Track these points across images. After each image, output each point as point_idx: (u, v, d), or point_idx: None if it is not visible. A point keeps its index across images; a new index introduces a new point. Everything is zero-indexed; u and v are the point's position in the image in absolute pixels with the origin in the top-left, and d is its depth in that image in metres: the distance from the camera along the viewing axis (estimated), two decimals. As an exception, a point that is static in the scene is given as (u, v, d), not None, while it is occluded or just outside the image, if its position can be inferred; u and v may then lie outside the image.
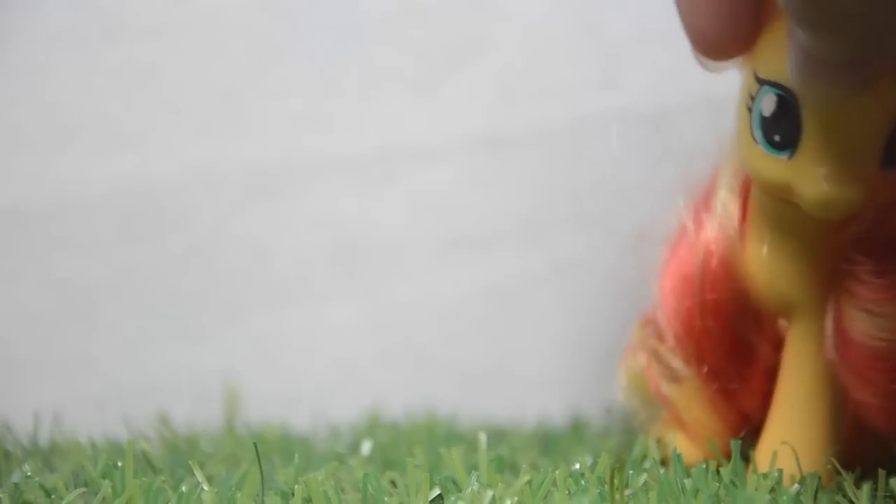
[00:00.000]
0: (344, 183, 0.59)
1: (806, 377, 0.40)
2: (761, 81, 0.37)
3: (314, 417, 0.57)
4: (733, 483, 0.39)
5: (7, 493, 0.39)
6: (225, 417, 0.57)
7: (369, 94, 0.59)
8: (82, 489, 0.39)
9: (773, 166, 0.37)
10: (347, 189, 0.59)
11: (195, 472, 0.40)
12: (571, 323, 0.58)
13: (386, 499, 0.38)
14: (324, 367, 0.59)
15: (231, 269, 0.59)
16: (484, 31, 0.59)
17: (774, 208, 0.38)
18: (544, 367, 0.59)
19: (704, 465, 0.40)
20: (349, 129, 0.59)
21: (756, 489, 0.38)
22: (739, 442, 0.40)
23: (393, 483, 0.41)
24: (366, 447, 0.48)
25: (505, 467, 0.43)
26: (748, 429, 0.42)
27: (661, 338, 0.43)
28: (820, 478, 0.39)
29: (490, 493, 0.37)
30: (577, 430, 0.54)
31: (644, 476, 0.40)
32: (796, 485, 0.38)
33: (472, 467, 0.41)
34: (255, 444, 0.40)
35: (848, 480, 0.39)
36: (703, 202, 0.42)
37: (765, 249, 0.39)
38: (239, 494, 0.37)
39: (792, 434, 0.40)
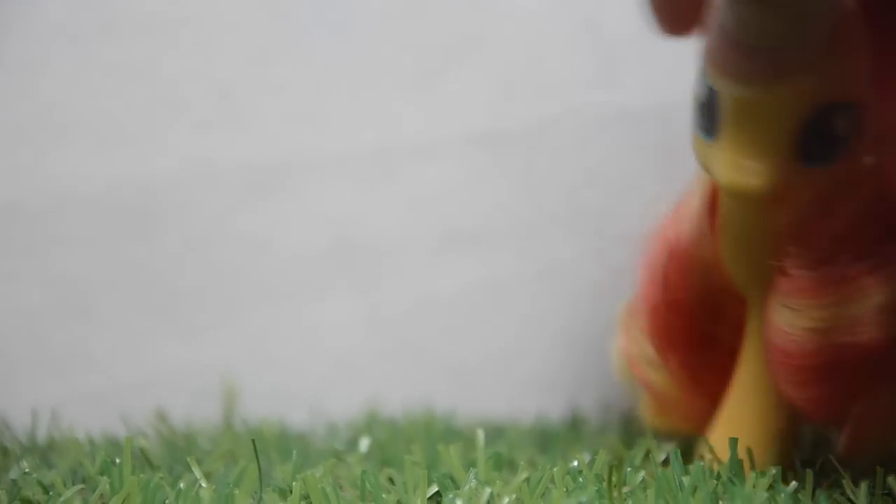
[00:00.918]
0: (341, 180, 0.59)
1: (754, 363, 0.41)
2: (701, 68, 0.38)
3: (312, 414, 0.57)
4: (731, 481, 0.39)
5: (5, 490, 0.39)
6: (223, 414, 0.57)
7: (367, 91, 0.59)
8: (80, 486, 0.39)
9: (702, 149, 0.38)
10: (345, 186, 0.59)
11: (193, 468, 0.40)
12: (569, 320, 0.58)
13: (384, 496, 0.38)
14: (321, 364, 0.59)
15: (229, 265, 0.59)
16: (481, 28, 0.58)
17: (724, 200, 0.40)
18: (542, 364, 0.59)
19: (703, 463, 0.40)
20: (347, 126, 0.59)
21: (754, 487, 0.38)
22: (737, 440, 0.40)
23: (391, 480, 0.42)
24: (364, 444, 0.48)
25: (503, 464, 0.43)
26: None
27: (641, 326, 0.44)
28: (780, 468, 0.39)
29: (488, 490, 0.37)
30: (574, 428, 0.54)
31: (642, 473, 0.40)
32: (794, 482, 0.38)
33: (470, 464, 0.42)
34: (252, 441, 0.40)
35: (846, 478, 0.39)
36: (686, 197, 0.43)
37: (724, 239, 0.40)
38: (237, 491, 0.37)
39: (742, 418, 0.41)
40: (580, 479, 0.39)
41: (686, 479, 0.38)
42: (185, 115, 0.59)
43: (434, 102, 0.59)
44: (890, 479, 0.38)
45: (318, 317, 0.59)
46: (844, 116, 0.36)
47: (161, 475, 0.40)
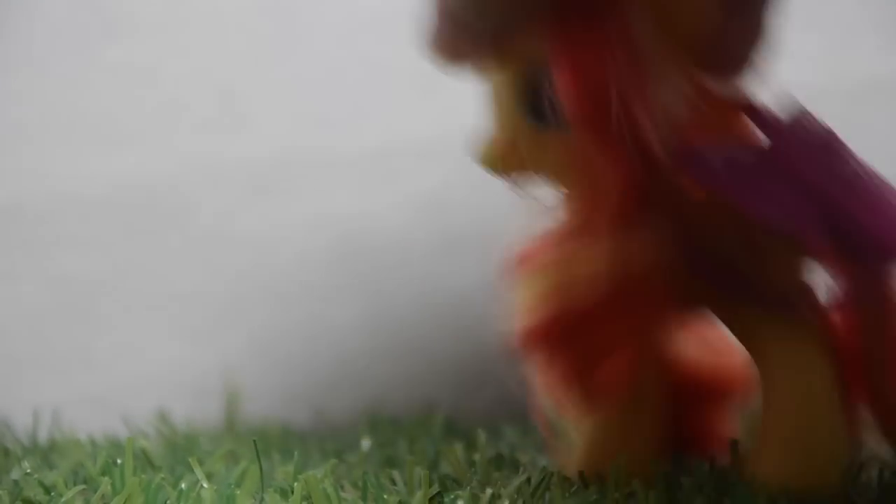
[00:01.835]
0: (342, 180, 0.59)
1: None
2: None
3: (314, 415, 0.57)
4: (733, 482, 0.39)
5: (7, 491, 0.39)
6: (224, 415, 0.57)
7: (367, 91, 0.59)
8: (82, 486, 0.39)
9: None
10: (346, 186, 0.59)
11: (195, 469, 0.40)
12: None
13: (385, 496, 0.38)
14: (323, 365, 0.59)
15: (231, 266, 0.59)
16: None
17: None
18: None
19: (705, 464, 0.40)
20: (347, 127, 0.59)
21: (755, 489, 0.38)
22: (737, 441, 0.40)
23: (392, 480, 0.41)
24: (365, 444, 0.48)
25: (504, 465, 0.43)
26: None
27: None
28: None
29: (489, 490, 0.37)
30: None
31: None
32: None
33: (471, 465, 0.42)
34: (254, 442, 0.40)
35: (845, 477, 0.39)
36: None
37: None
38: (238, 492, 0.37)
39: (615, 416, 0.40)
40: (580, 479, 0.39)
41: (687, 481, 0.38)
42: (187, 116, 0.59)
43: (436, 103, 0.59)
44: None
45: (320, 317, 0.59)
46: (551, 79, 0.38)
47: (162, 476, 0.40)
